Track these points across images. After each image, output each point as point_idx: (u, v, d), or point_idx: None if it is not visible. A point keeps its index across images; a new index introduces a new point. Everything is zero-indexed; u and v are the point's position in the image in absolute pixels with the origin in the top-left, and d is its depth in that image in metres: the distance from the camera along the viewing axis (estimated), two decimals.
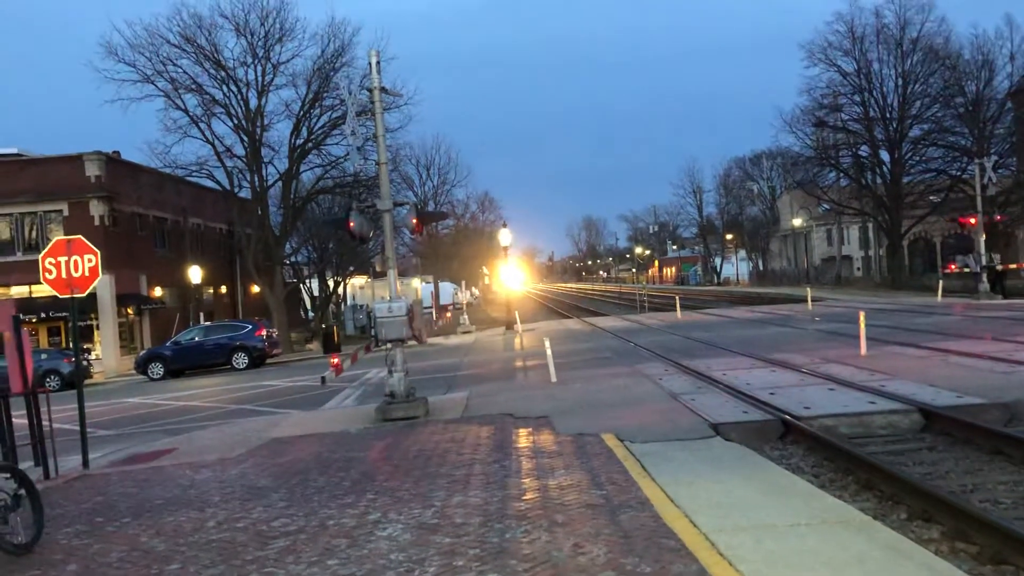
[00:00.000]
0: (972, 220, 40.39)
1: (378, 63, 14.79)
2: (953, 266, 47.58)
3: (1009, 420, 10.75)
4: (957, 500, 7.37)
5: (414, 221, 17.15)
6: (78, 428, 12.90)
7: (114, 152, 41.89)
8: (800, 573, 5.57)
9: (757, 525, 6.71)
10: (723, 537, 6.41)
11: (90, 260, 12.70)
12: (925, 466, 9.10)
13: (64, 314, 35.24)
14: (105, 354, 38.95)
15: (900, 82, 55.79)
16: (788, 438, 10.79)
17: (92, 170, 39.28)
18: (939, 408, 11.00)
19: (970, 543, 6.62)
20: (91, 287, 12.97)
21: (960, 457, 9.37)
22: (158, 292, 43.50)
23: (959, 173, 53.29)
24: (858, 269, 79.47)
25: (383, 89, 14.99)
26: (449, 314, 48.61)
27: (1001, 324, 22.81)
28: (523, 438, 11.53)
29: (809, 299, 41.00)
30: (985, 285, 38.55)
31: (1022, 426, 10.48)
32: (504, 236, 43.92)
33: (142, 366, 33.69)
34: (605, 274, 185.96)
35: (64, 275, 12.58)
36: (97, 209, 38.92)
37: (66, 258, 12.57)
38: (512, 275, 55.12)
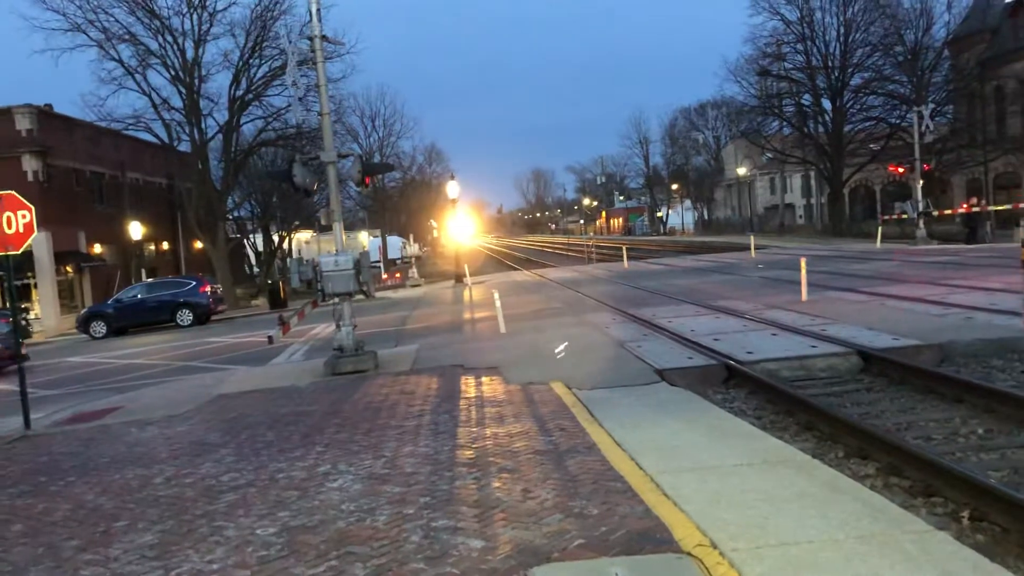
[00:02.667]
0: (901, 169, 41.26)
1: (318, 10, 14.43)
2: (893, 214, 48.66)
3: (942, 360, 11.13)
4: (891, 437, 7.64)
5: (359, 173, 16.92)
6: (18, 388, 12.64)
7: (46, 105, 40.46)
8: (742, 511, 5.74)
9: (701, 466, 6.88)
10: (668, 478, 6.57)
11: (24, 216, 12.33)
12: (863, 406, 9.39)
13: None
14: (45, 313, 38.04)
15: (842, 31, 56.34)
16: (731, 382, 11.04)
17: (23, 124, 37.93)
18: (876, 350, 11.33)
19: (903, 478, 6.89)
20: (26, 244, 12.60)
21: (896, 396, 9.69)
22: (98, 249, 42.47)
23: (898, 121, 54.21)
24: (800, 217, 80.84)
25: (324, 37, 14.67)
26: (399, 273, 48.33)
27: (936, 268, 23.46)
28: (473, 388, 11.61)
29: (752, 247, 41.66)
30: (922, 231, 39.52)
31: (954, 366, 10.87)
32: (452, 188, 43.62)
33: (84, 325, 32.94)
34: (554, 226, 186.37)
35: None
36: (30, 164, 37.68)
37: None
38: (461, 228, 54.94)
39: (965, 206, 40.97)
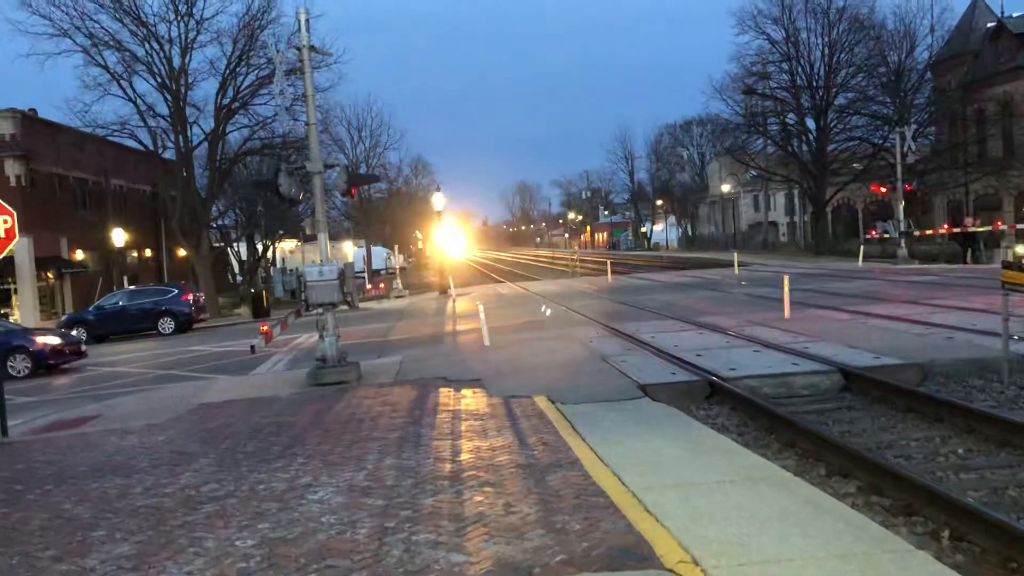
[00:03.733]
0: (883, 189, 41.53)
1: (307, 20, 14.44)
2: (873, 232, 49.04)
3: (923, 379, 11.20)
4: (872, 456, 7.67)
5: (345, 184, 16.91)
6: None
7: (30, 110, 40.19)
8: (724, 527, 5.75)
9: (683, 483, 6.88)
10: (650, 495, 6.57)
11: (6, 221, 12.24)
12: (844, 424, 9.44)
13: None
14: (24, 319, 37.59)
15: (827, 51, 56.83)
16: (714, 398, 11.06)
17: (6, 128, 37.66)
18: (858, 369, 11.39)
19: (884, 496, 6.92)
20: (7, 249, 12.50)
21: (877, 415, 9.75)
22: (80, 255, 42.13)
23: (881, 141, 54.68)
24: (784, 235, 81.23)
25: (312, 48, 14.68)
26: (383, 284, 48.23)
27: (918, 288, 23.65)
28: (456, 401, 11.58)
29: (736, 264, 41.82)
30: (904, 250, 39.79)
31: (935, 385, 10.94)
32: (438, 200, 43.62)
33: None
34: (539, 239, 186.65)
35: None
36: (13, 169, 37.36)
37: None
38: (446, 240, 54.90)
39: (965, 223, 40.52)
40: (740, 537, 5.55)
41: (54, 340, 22.85)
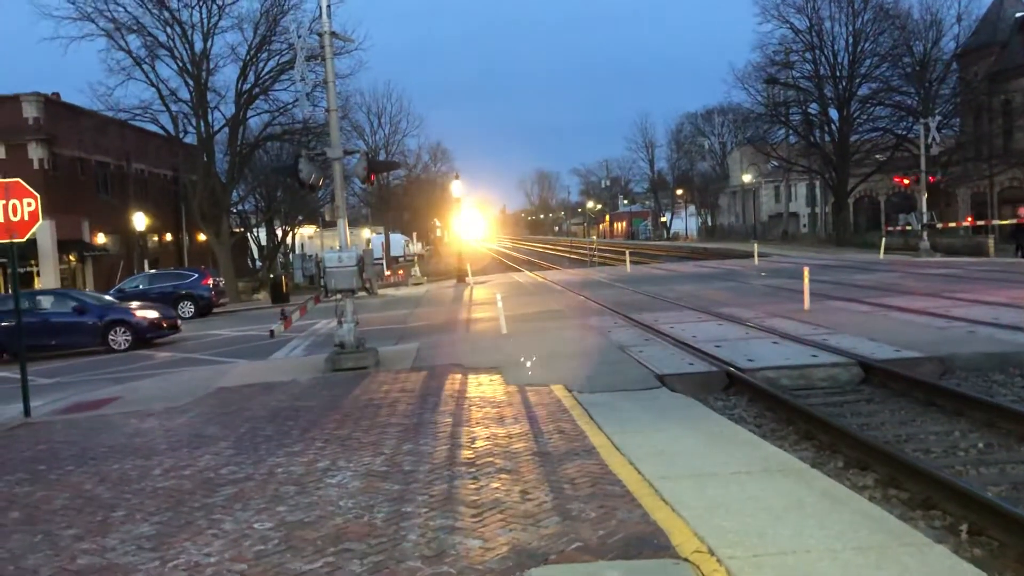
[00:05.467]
0: (906, 181, 41.11)
1: (328, 7, 14.44)
2: (892, 226, 48.59)
3: (943, 373, 11.12)
4: (891, 449, 7.63)
5: (365, 170, 16.92)
6: (19, 376, 12.66)
7: (54, 94, 40.45)
8: (740, 518, 5.74)
9: (700, 473, 6.87)
10: (667, 484, 6.57)
11: (30, 204, 12.35)
12: (862, 417, 9.38)
13: (3, 260, 34.29)
14: None
15: (851, 40, 56.26)
16: (732, 389, 11.02)
17: (30, 111, 37.93)
18: (878, 361, 11.32)
19: (902, 490, 6.88)
20: (31, 232, 12.63)
21: (896, 408, 9.68)
22: (101, 239, 42.46)
23: (905, 132, 54.16)
24: (804, 226, 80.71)
25: (333, 34, 14.68)
26: (402, 271, 48.33)
27: (939, 281, 23.43)
28: (473, 388, 11.61)
29: (756, 254, 41.62)
30: (926, 243, 39.39)
31: (955, 379, 10.86)
32: (456, 187, 43.65)
33: None
34: (557, 228, 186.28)
35: (2, 219, 12.21)
36: (36, 152, 37.66)
37: (4, 202, 12.20)
38: (464, 227, 54.93)
39: (1020, 215, 38.76)
40: (756, 528, 5.54)
41: (152, 314, 23.31)
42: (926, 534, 5.57)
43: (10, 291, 18.55)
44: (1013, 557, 5.52)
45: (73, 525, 6.80)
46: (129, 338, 22.34)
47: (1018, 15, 52.49)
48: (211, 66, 39.90)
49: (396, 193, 75.20)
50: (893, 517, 5.77)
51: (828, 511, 5.80)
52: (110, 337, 22.23)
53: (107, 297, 27.26)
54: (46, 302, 23.62)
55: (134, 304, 24.90)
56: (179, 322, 24.34)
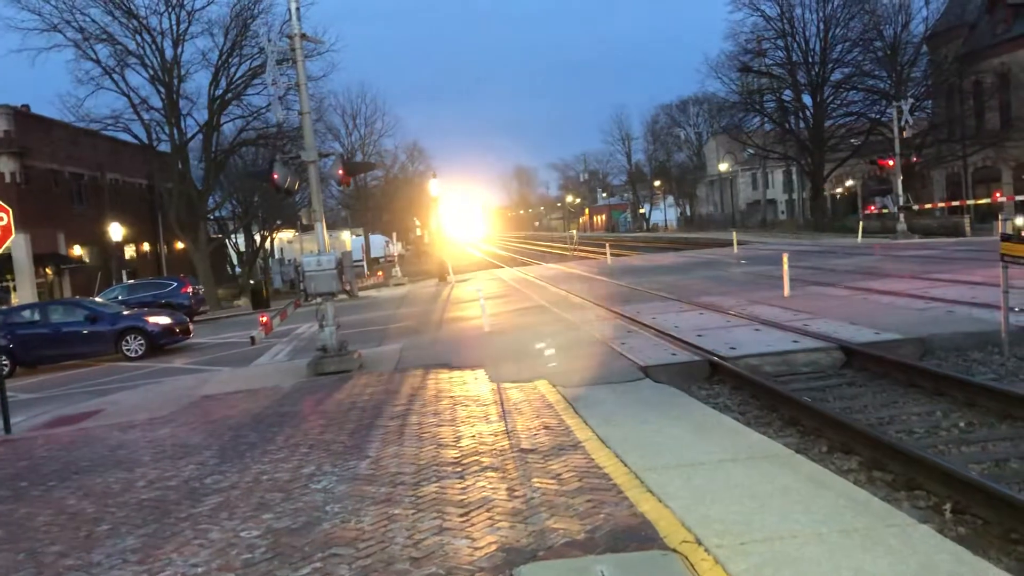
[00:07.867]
0: (890, 162, 41.43)
1: (298, 9, 14.38)
2: (872, 208, 48.92)
3: (923, 354, 11.21)
4: (874, 431, 7.68)
5: (341, 172, 16.84)
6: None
7: (23, 106, 40.04)
8: (727, 506, 5.76)
9: (686, 463, 6.89)
10: (653, 475, 6.58)
11: (1, 219, 12.22)
12: (845, 400, 9.45)
13: None
14: None
15: (822, 26, 56.59)
16: (715, 378, 11.07)
17: (0, 124, 37.55)
18: (858, 345, 11.39)
19: (886, 472, 6.93)
20: (4, 246, 12.51)
21: (878, 391, 9.76)
22: (77, 251, 42.10)
23: (878, 116, 54.49)
24: (783, 212, 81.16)
25: (304, 36, 14.61)
26: (382, 272, 48.18)
27: (917, 262, 23.63)
28: (458, 387, 11.59)
29: (735, 243, 41.79)
30: (903, 225, 39.68)
31: (935, 359, 10.95)
32: (434, 186, 43.54)
33: None
34: (537, 223, 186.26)
35: None
36: (7, 165, 37.28)
37: None
38: (444, 226, 54.80)
39: None
40: (743, 515, 5.56)
41: (165, 320, 23.01)
42: (911, 515, 5.62)
43: None
44: (996, 534, 5.57)
45: (57, 541, 6.73)
46: (143, 344, 22.09)
47: None
48: (182, 73, 39.64)
49: (374, 194, 74.92)
50: (878, 499, 5.81)
51: (813, 496, 5.83)
52: (123, 345, 22.01)
53: (116, 304, 27.06)
54: (57, 313, 23.38)
55: (144, 310, 24.71)
56: (191, 327, 24.13)
